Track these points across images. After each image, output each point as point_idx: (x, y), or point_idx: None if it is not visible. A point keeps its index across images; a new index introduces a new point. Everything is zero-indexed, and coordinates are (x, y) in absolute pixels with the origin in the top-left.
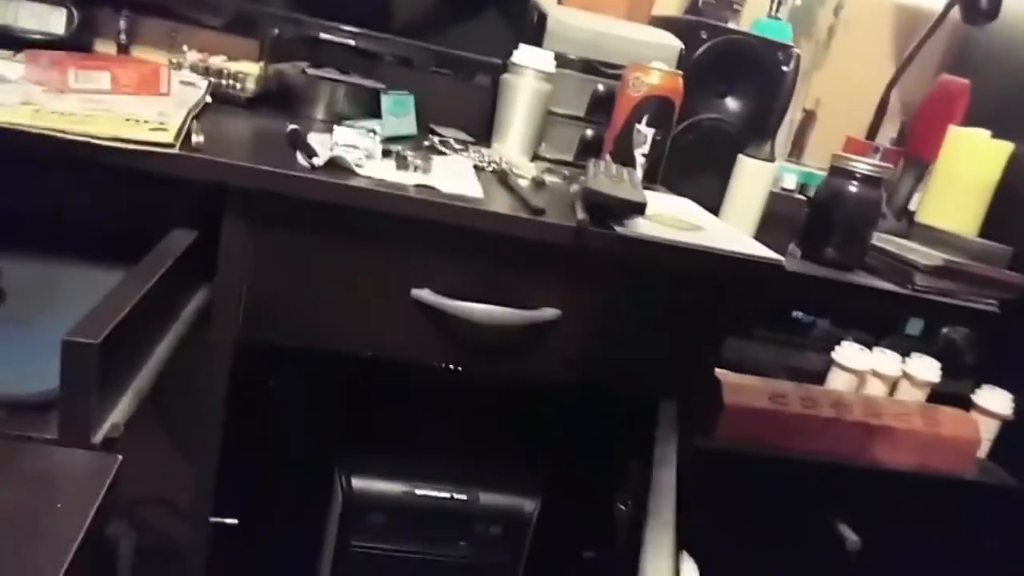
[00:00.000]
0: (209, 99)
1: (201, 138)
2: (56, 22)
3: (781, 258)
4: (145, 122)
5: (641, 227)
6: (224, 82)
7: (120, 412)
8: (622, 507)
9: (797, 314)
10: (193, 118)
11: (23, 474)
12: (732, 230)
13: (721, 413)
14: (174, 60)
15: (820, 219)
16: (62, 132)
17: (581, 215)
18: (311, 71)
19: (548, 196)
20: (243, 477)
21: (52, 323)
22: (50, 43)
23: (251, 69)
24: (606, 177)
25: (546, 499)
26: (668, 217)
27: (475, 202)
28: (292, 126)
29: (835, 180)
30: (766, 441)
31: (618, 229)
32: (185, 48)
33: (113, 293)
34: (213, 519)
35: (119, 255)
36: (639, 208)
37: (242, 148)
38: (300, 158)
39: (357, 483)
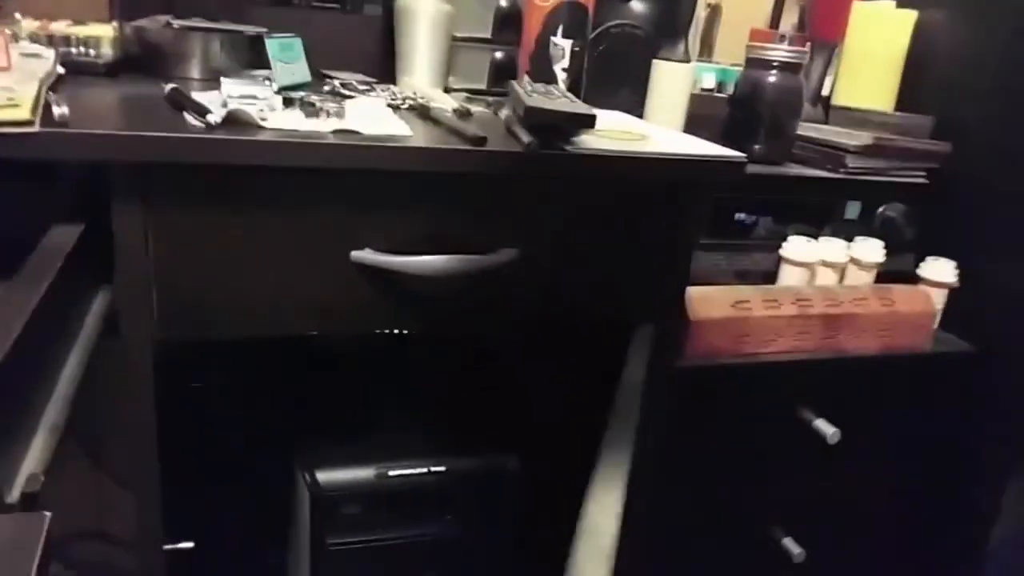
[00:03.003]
0: (61, 70)
1: (64, 109)
2: None
3: (743, 155)
4: None
5: (590, 143)
6: (74, 50)
7: (34, 458)
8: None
9: (740, 216)
10: (48, 90)
11: None
12: (677, 135)
13: (688, 328)
14: (8, 31)
15: (744, 115)
16: None
17: (527, 138)
18: (177, 23)
19: (478, 126)
20: (191, 495)
21: None
22: None
23: (103, 31)
24: (539, 96)
25: (527, 453)
26: (612, 131)
27: (405, 140)
28: (170, 85)
29: (753, 72)
30: (734, 349)
31: (568, 148)
32: (18, 16)
33: None
34: (167, 547)
35: None
36: (589, 121)
37: (116, 118)
38: (190, 118)
39: (323, 476)
